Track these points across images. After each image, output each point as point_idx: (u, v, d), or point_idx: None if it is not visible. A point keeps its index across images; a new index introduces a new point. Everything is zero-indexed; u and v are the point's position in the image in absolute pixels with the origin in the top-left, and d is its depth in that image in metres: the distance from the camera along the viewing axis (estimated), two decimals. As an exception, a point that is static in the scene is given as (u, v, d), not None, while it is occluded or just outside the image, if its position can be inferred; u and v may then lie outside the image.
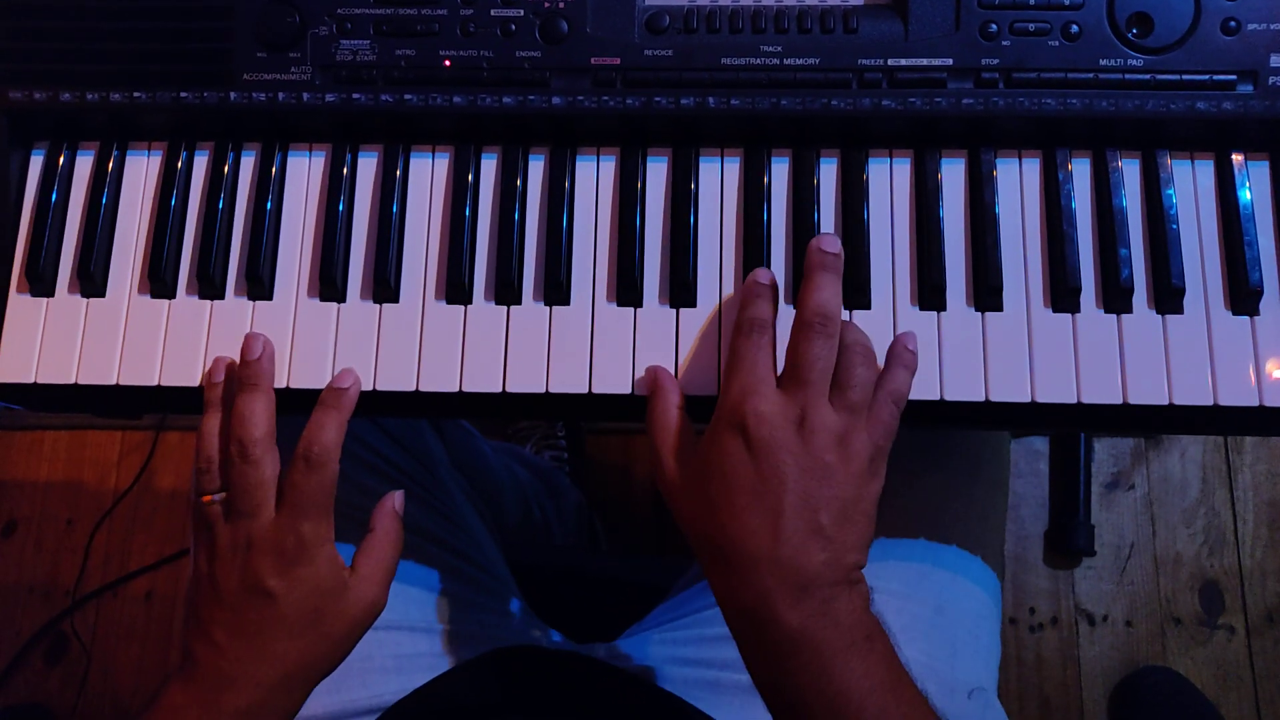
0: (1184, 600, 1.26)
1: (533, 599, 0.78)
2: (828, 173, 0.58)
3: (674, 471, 0.51)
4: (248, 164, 0.60)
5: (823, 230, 0.57)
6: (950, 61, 0.56)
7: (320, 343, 0.57)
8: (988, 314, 0.56)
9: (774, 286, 0.53)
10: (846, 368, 0.50)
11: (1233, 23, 0.56)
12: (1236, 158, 0.57)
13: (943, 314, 0.56)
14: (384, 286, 0.57)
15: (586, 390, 0.56)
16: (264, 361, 0.54)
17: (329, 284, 0.57)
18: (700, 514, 0.50)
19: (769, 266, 0.57)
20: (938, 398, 0.54)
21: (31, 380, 0.57)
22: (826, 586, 0.47)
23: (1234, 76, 0.55)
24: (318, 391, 0.56)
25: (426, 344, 0.57)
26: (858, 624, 0.47)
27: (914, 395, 0.54)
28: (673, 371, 0.55)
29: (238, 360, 0.55)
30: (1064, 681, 1.24)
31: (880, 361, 0.53)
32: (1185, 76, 0.55)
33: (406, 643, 0.67)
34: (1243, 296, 0.55)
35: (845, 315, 0.56)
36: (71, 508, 1.37)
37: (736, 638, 0.50)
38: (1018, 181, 0.58)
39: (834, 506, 0.48)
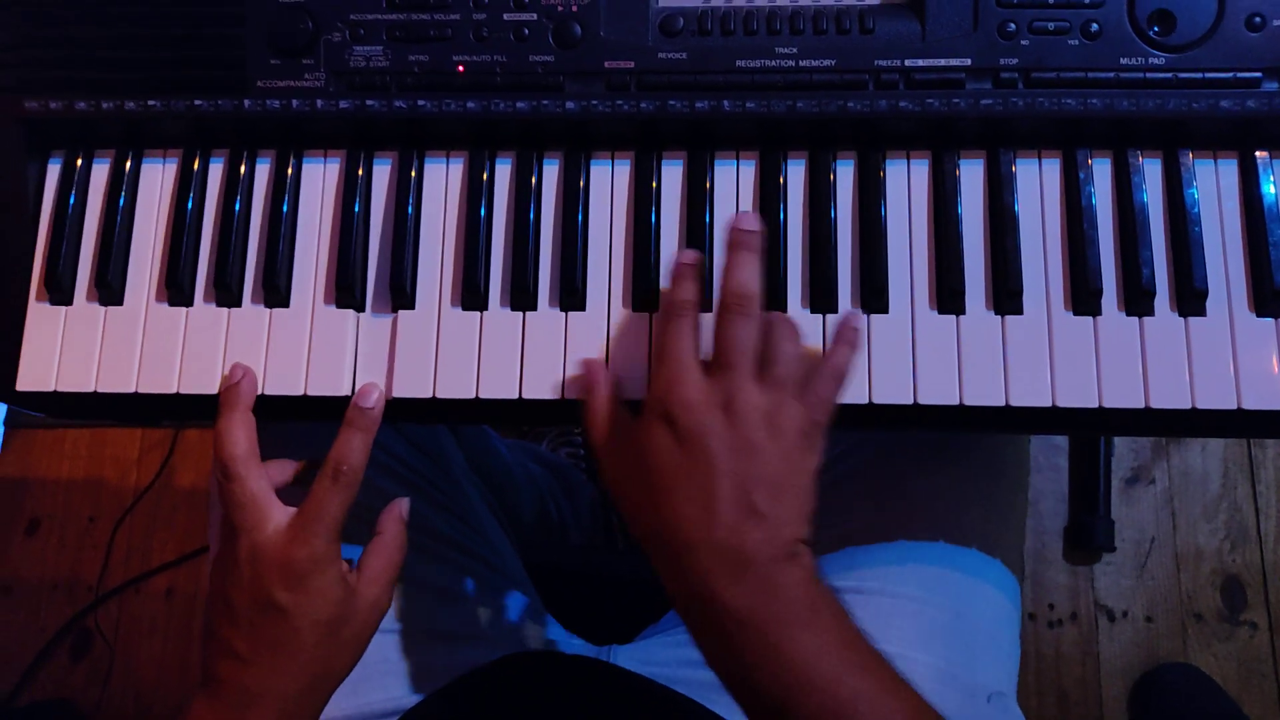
0: (1205, 596, 1.24)
1: (549, 601, 0.78)
2: (845, 175, 0.58)
3: (612, 467, 0.52)
4: (263, 171, 0.60)
5: (839, 233, 0.57)
6: (968, 61, 0.55)
7: (337, 349, 0.57)
8: (1007, 317, 0.55)
9: (699, 265, 0.54)
10: (771, 345, 0.51)
11: (1258, 18, 0.55)
12: (1260, 155, 0.56)
13: (962, 317, 0.55)
14: (400, 293, 0.57)
15: (603, 396, 0.55)
16: (243, 385, 0.55)
17: (345, 291, 0.57)
18: (640, 506, 0.51)
19: (785, 270, 0.56)
20: (957, 402, 0.54)
21: (52, 389, 0.58)
22: (766, 563, 0.48)
23: (1259, 74, 0.54)
24: (335, 399, 0.56)
25: (443, 351, 0.57)
26: (801, 597, 0.48)
27: (934, 399, 0.54)
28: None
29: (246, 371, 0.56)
30: (1083, 677, 1.23)
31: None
32: (1208, 74, 0.54)
33: (424, 647, 0.67)
34: (1267, 297, 0.54)
35: (865, 319, 0.55)
36: (93, 505, 1.38)
37: (686, 624, 0.51)
38: (1037, 182, 0.57)
39: (766, 484, 0.48)
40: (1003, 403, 0.54)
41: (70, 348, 0.58)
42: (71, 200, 0.59)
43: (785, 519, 0.49)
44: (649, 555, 0.51)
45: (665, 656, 0.69)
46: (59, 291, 0.59)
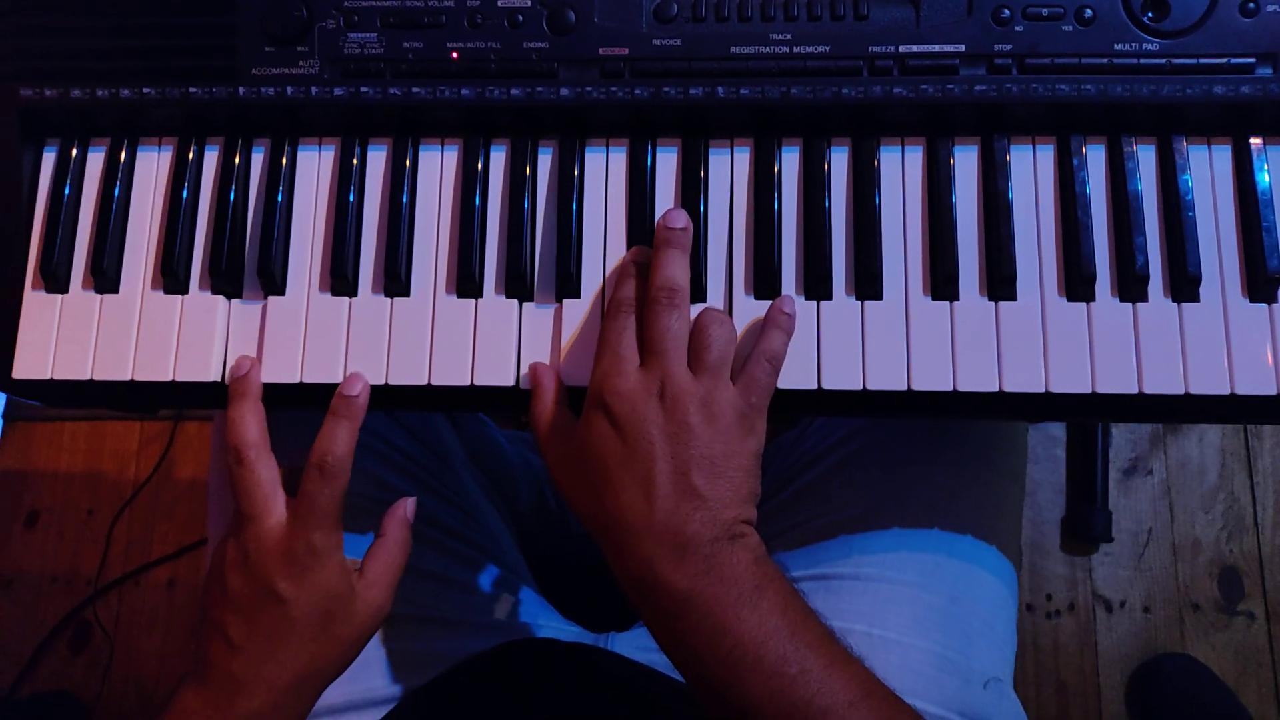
0: (1203, 586, 1.25)
1: (548, 589, 0.79)
2: (839, 162, 0.58)
3: (556, 463, 0.53)
4: (258, 159, 0.60)
5: (834, 220, 0.57)
6: (962, 48, 0.55)
7: (332, 337, 0.57)
8: (1001, 303, 0.55)
9: (641, 264, 0.54)
10: (701, 331, 0.52)
11: (1251, 4, 0.55)
12: (1255, 142, 0.56)
13: (956, 304, 0.55)
14: (395, 280, 0.57)
15: (597, 383, 0.56)
16: (252, 375, 0.55)
17: (340, 278, 0.57)
18: (584, 496, 0.52)
19: (779, 256, 0.56)
20: (950, 389, 0.54)
21: (48, 376, 0.58)
22: (707, 544, 0.48)
23: (1253, 59, 0.54)
24: (330, 386, 0.56)
25: (438, 338, 0.57)
26: (745, 577, 0.48)
27: (928, 386, 0.54)
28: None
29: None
30: (1081, 668, 1.24)
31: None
32: (1202, 60, 0.54)
33: (423, 635, 0.67)
34: (1261, 283, 0.54)
35: (858, 305, 0.55)
36: (92, 498, 1.39)
37: (638, 611, 0.51)
38: (1031, 169, 0.57)
39: (704, 466, 0.49)
40: (996, 389, 0.54)
41: (66, 335, 0.58)
42: (67, 188, 0.59)
43: (726, 500, 0.49)
44: (598, 543, 0.52)
45: (661, 644, 0.70)
46: (54, 280, 0.59)
